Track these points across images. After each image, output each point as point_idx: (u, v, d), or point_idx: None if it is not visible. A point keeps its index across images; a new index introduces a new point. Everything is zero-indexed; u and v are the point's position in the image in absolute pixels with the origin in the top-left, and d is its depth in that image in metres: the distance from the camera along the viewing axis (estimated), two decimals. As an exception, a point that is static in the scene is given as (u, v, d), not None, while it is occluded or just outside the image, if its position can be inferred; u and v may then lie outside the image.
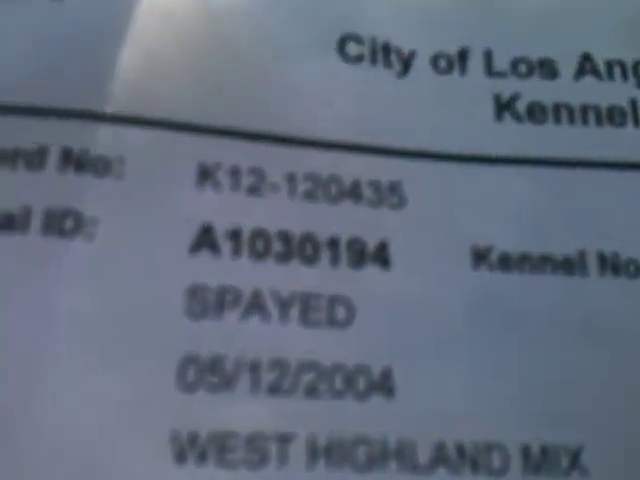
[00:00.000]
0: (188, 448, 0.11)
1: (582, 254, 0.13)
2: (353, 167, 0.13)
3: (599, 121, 0.15)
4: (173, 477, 0.10)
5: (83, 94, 0.12)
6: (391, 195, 0.13)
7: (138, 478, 0.10)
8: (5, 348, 0.11)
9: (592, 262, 0.13)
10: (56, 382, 0.11)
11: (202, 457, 0.11)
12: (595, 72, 0.15)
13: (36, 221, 0.11)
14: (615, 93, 0.15)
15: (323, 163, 0.13)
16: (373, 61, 0.14)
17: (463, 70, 0.15)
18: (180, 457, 0.11)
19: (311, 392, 0.11)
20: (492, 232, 0.13)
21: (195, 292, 0.12)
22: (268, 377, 0.11)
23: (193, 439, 0.11)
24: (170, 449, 0.11)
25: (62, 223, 0.12)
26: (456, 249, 0.13)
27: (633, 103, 0.15)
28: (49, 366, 0.11)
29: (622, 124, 0.14)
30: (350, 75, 0.14)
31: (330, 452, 0.11)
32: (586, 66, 0.15)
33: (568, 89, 0.15)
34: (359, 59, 0.14)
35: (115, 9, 0.13)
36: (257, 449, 0.11)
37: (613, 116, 0.15)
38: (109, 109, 0.12)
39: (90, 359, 0.11)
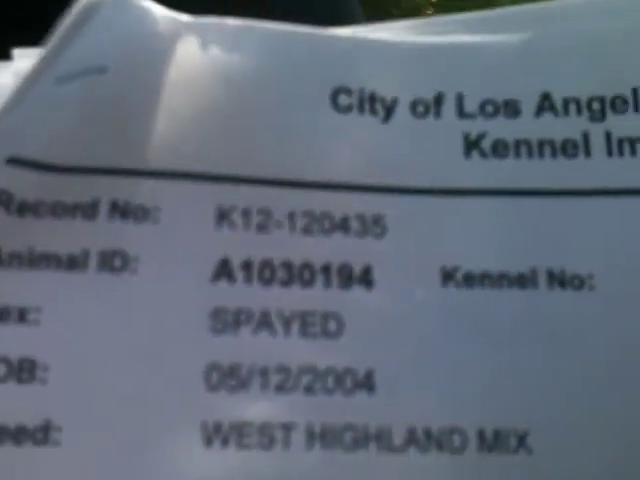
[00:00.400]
0: (214, 434, 0.14)
1: (533, 271, 0.16)
2: (342, 204, 0.16)
3: (554, 154, 0.17)
4: (203, 458, 0.14)
5: (124, 154, 0.16)
6: (375, 226, 0.16)
7: (175, 459, 0.14)
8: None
9: (542, 278, 0.16)
10: (104, 381, 0.14)
11: (225, 441, 0.14)
12: (553, 109, 0.17)
13: (92, 262, 0.15)
14: (569, 127, 0.17)
15: (317, 202, 0.16)
16: (361, 110, 0.17)
17: (438, 113, 0.17)
18: (208, 441, 0.14)
19: (309, 390, 0.15)
20: (458, 254, 0.16)
21: (217, 313, 0.15)
22: (275, 379, 0.15)
23: (218, 427, 0.14)
24: (200, 436, 0.14)
25: (112, 262, 0.15)
26: (428, 270, 0.16)
27: (585, 136, 0.17)
28: (104, 379, 0.14)
29: (574, 155, 0.17)
30: (341, 123, 0.17)
31: (324, 437, 0.14)
32: (545, 104, 0.17)
33: (528, 126, 0.17)
34: (349, 109, 0.17)
35: (148, 78, 0.16)
36: (267, 435, 0.14)
37: (566, 148, 0.17)
38: (145, 166, 0.16)
39: (138, 369, 0.14)
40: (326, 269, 0.16)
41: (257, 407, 0.14)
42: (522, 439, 0.15)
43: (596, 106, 0.17)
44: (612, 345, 0.15)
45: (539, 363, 0.15)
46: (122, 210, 0.15)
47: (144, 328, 0.15)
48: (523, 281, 0.16)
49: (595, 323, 0.16)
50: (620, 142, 0.17)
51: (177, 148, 0.16)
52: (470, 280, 0.16)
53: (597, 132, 0.17)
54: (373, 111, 0.17)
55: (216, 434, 0.14)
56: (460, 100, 0.17)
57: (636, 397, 0.15)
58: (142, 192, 0.15)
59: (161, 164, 0.16)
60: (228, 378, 0.15)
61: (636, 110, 0.17)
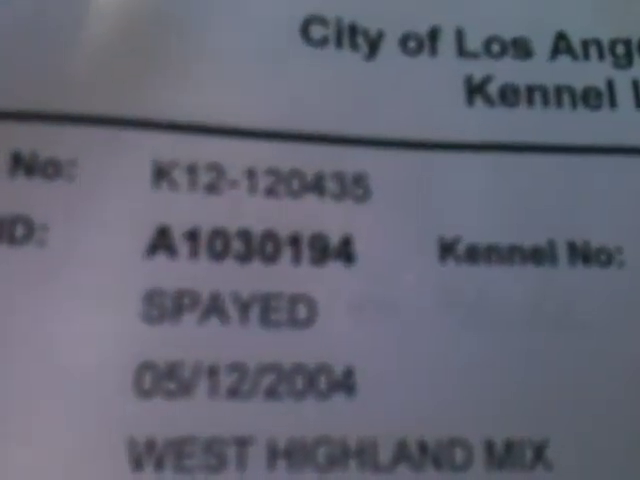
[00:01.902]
0: (145, 455, 0.11)
1: (552, 243, 0.13)
2: (316, 159, 0.13)
3: (574, 103, 0.14)
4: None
5: (30, 93, 0.12)
6: (355, 187, 0.13)
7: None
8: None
9: (562, 252, 0.13)
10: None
11: (159, 464, 0.11)
12: (570, 51, 0.14)
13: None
14: (591, 73, 0.14)
15: (284, 156, 0.13)
16: (339, 44, 0.14)
17: (433, 51, 0.14)
18: (137, 464, 0.11)
19: (271, 394, 0.11)
20: (459, 223, 0.13)
21: (151, 297, 0.11)
22: (227, 381, 0.11)
23: (150, 446, 0.11)
24: (127, 456, 0.11)
25: (12, 230, 0.11)
26: (422, 242, 0.13)
27: (610, 84, 0.14)
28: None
29: (597, 106, 0.14)
30: (315, 59, 0.14)
31: (290, 454, 0.11)
32: (561, 45, 0.14)
33: (542, 70, 0.14)
34: (324, 42, 0.14)
35: (66, 17, 0.13)
36: (215, 454, 0.11)
37: (588, 98, 0.14)
38: (56, 108, 0.12)
39: (46, 366, 0.11)
40: (295, 240, 0.12)
41: (203, 418, 0.11)
42: (540, 451, 0.12)
43: (621, 50, 0.14)
44: (649, 335, 0.12)
45: (559, 356, 0.12)
46: (27, 165, 0.12)
47: (55, 316, 0.11)
48: (539, 256, 0.13)
49: (626, 307, 0.13)
50: (650, 91, 0.14)
51: (99, 88, 0.12)
52: (474, 254, 0.13)
53: (623, 80, 0.14)
54: (354, 46, 0.14)
55: (148, 454, 0.11)
56: (460, 36, 0.14)
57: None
58: (53, 141, 0.12)
59: (78, 106, 0.12)
60: (165, 380, 0.11)
61: (669, 54, 0.14)
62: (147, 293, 0.11)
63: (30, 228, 0.12)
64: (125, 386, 0.11)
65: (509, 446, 0.12)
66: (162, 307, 0.11)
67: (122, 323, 0.11)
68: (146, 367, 0.11)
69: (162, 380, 0.11)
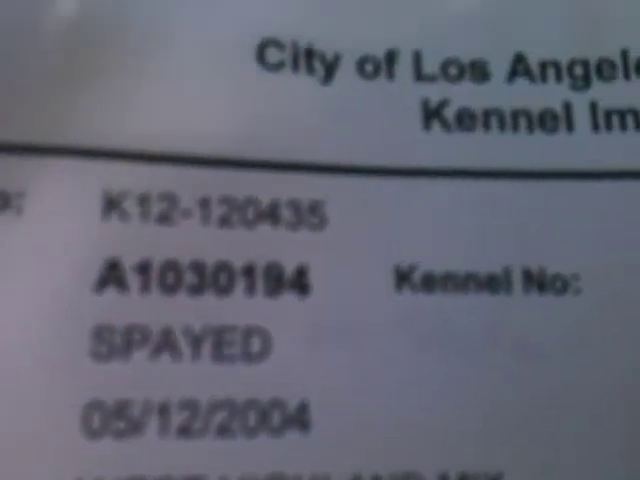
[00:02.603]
0: (95, 497, 0.11)
1: (507, 271, 0.13)
2: (272, 187, 0.13)
3: (530, 127, 0.14)
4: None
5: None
6: (311, 215, 0.13)
7: None
8: None
9: (517, 279, 0.13)
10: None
11: (109, 506, 0.11)
12: (528, 73, 0.14)
13: None
14: (548, 96, 0.14)
15: (239, 184, 0.13)
16: (295, 68, 0.14)
17: (390, 74, 0.14)
18: (86, 507, 0.11)
19: (223, 431, 0.11)
20: (416, 251, 0.13)
21: (100, 333, 0.11)
22: (178, 419, 0.11)
23: (99, 488, 0.11)
24: (77, 500, 0.10)
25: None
26: (378, 270, 0.13)
27: (567, 107, 0.14)
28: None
29: (554, 130, 0.14)
30: (270, 84, 0.13)
31: (243, 492, 0.11)
32: (519, 67, 0.14)
33: (499, 93, 0.14)
34: (280, 66, 0.14)
35: (12, 43, 0.12)
36: (166, 494, 0.11)
37: (545, 121, 0.14)
38: (3, 138, 0.12)
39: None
40: (249, 271, 0.12)
41: (154, 457, 0.11)
42: (494, 483, 0.12)
43: (579, 71, 0.14)
44: (603, 362, 0.12)
45: (515, 387, 0.12)
46: None
47: (2, 354, 0.11)
48: (494, 284, 0.13)
49: (582, 336, 0.13)
50: (608, 114, 0.14)
51: (51, 116, 0.12)
52: (430, 282, 0.13)
53: (581, 102, 0.14)
54: (310, 69, 0.14)
55: (97, 496, 0.11)
56: (417, 58, 0.14)
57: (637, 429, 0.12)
58: (1, 173, 0.11)
59: (26, 137, 0.12)
60: (114, 420, 0.11)
61: (626, 76, 0.14)
62: (96, 329, 0.11)
63: None
64: (73, 426, 0.11)
65: (463, 479, 0.12)
66: (111, 343, 0.11)
67: (69, 360, 0.11)
68: (94, 406, 0.11)
69: (111, 419, 0.11)
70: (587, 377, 0.12)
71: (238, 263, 0.12)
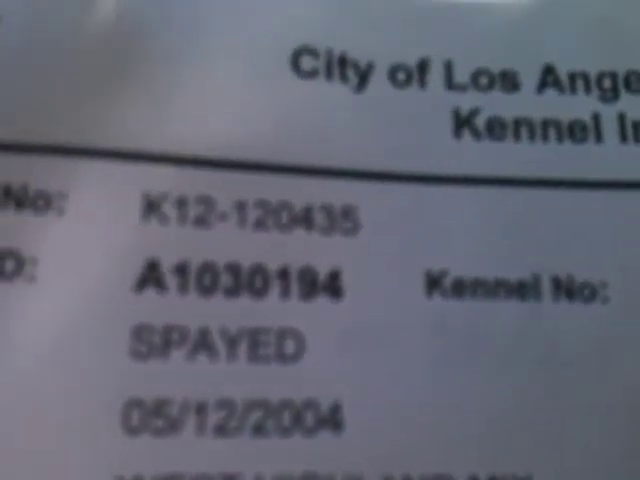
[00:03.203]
0: (133, 493, 0.11)
1: (536, 278, 0.13)
2: (305, 191, 0.13)
3: (560, 137, 0.14)
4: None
5: (19, 125, 0.12)
6: (344, 220, 0.13)
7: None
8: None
9: (546, 286, 0.13)
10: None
11: (147, 501, 0.11)
12: (557, 84, 0.15)
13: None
14: (577, 107, 0.14)
15: (274, 188, 0.13)
16: (329, 76, 0.14)
17: (422, 83, 0.14)
18: (125, 502, 0.11)
19: (258, 431, 0.11)
20: (446, 256, 0.13)
21: (140, 332, 0.12)
22: (214, 418, 0.11)
23: (138, 483, 0.11)
24: (115, 494, 0.11)
25: (2, 265, 0.11)
26: (410, 275, 0.13)
27: (596, 118, 0.14)
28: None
29: (583, 140, 0.14)
30: (304, 91, 0.14)
31: (277, 490, 0.11)
32: (548, 78, 0.15)
33: (529, 103, 0.14)
34: (314, 74, 0.14)
35: (57, 47, 0.13)
36: (203, 491, 0.11)
37: (574, 132, 0.14)
38: (48, 140, 0.12)
39: (33, 401, 0.11)
40: (283, 274, 0.12)
41: (191, 455, 0.11)
42: (523, 487, 0.12)
43: (607, 84, 0.14)
44: (631, 370, 0.13)
45: (543, 392, 0.12)
46: (16, 198, 0.12)
47: (43, 352, 0.11)
48: (524, 290, 0.13)
49: (610, 343, 0.13)
50: (636, 126, 0.14)
51: (93, 119, 0.12)
52: (460, 288, 0.13)
53: (609, 114, 0.14)
54: (344, 77, 0.14)
55: (136, 492, 0.11)
56: (449, 68, 0.14)
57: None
58: (44, 174, 0.12)
59: (69, 139, 0.12)
60: (153, 418, 0.11)
61: (654, 88, 0.14)
62: (136, 328, 0.12)
63: (20, 263, 0.11)
64: (113, 423, 0.11)
65: (493, 481, 0.12)
66: (150, 343, 0.11)
67: (110, 359, 0.11)
68: (134, 404, 0.11)
69: (150, 417, 0.11)
70: (615, 384, 0.12)
71: (273, 266, 0.12)
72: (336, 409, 0.12)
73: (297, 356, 0.12)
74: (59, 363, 0.11)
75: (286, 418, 0.12)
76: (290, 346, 0.12)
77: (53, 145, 0.12)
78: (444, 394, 0.12)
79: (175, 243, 0.12)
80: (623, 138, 0.14)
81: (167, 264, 0.12)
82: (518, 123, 0.14)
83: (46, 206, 0.12)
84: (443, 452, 0.12)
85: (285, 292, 0.12)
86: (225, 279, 0.12)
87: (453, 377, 0.12)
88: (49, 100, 0.12)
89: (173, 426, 0.11)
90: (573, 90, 0.15)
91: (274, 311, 0.12)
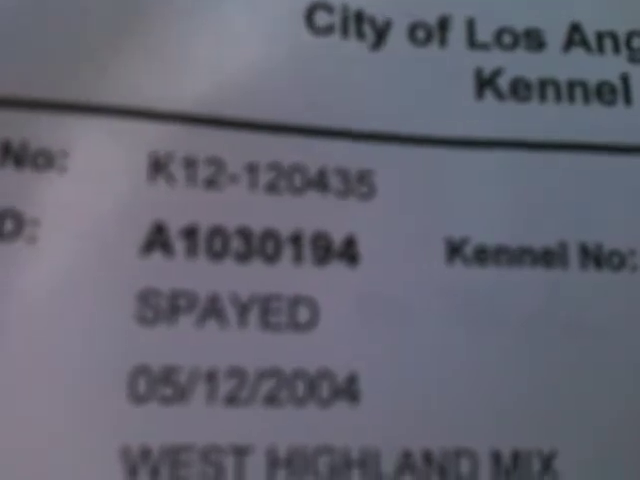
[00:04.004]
0: (140, 463, 0.10)
1: (563, 245, 0.12)
2: (319, 154, 0.12)
3: (587, 98, 0.14)
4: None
5: (19, 78, 0.11)
6: (360, 184, 0.12)
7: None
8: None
9: (573, 254, 0.12)
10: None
11: (155, 473, 0.10)
12: (584, 44, 0.14)
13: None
14: (605, 67, 0.14)
15: (286, 150, 0.12)
16: (344, 32, 0.13)
17: (443, 41, 0.13)
18: (132, 473, 0.10)
19: (271, 401, 0.11)
20: (468, 223, 0.12)
21: (146, 297, 0.11)
22: (225, 387, 0.11)
23: (145, 454, 0.10)
24: (121, 465, 0.10)
25: (1, 225, 0.11)
26: (429, 242, 0.12)
27: (624, 79, 0.14)
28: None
29: (612, 102, 0.13)
30: (318, 49, 0.13)
31: (290, 463, 0.11)
32: (575, 37, 0.14)
33: (555, 63, 0.14)
34: (329, 30, 0.13)
35: (64, 4, 0.12)
36: (213, 463, 0.10)
37: (602, 93, 0.14)
38: (49, 96, 0.11)
39: (35, 368, 0.10)
40: (296, 239, 0.12)
41: (200, 425, 0.11)
42: (547, 462, 0.11)
43: (637, 43, 0.14)
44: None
45: (569, 363, 0.12)
46: (16, 155, 0.11)
47: (44, 316, 0.11)
48: (550, 258, 0.12)
49: (638, 313, 0.12)
50: (667, 87, 0.13)
51: (97, 74, 0.12)
52: (482, 255, 0.12)
53: (639, 75, 0.13)
54: (360, 34, 0.13)
55: (143, 463, 0.10)
56: (471, 26, 0.14)
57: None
58: (45, 131, 0.11)
59: (71, 94, 0.12)
60: (160, 386, 0.11)
61: (686, 48, 0.14)
62: (142, 293, 0.11)
63: (20, 223, 0.11)
64: (118, 390, 0.10)
65: (516, 457, 0.11)
66: (157, 308, 0.11)
67: (115, 324, 0.11)
68: (140, 371, 0.11)
69: (157, 385, 0.11)
70: None
71: (285, 231, 0.12)
72: (352, 380, 0.11)
73: (311, 324, 0.11)
74: (61, 329, 0.11)
75: (300, 388, 0.11)
76: (304, 314, 0.11)
77: (54, 101, 0.11)
78: (465, 366, 0.12)
79: (183, 205, 0.11)
80: (654, 100, 0.14)
81: (175, 227, 0.11)
82: (543, 84, 0.13)
83: (47, 164, 0.11)
84: (464, 426, 0.11)
85: (298, 258, 0.12)
86: (235, 244, 0.11)
87: (475, 348, 0.12)
88: (51, 53, 0.12)
89: (182, 395, 0.11)
90: (601, 50, 0.14)
91: (287, 278, 0.11)
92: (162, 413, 0.10)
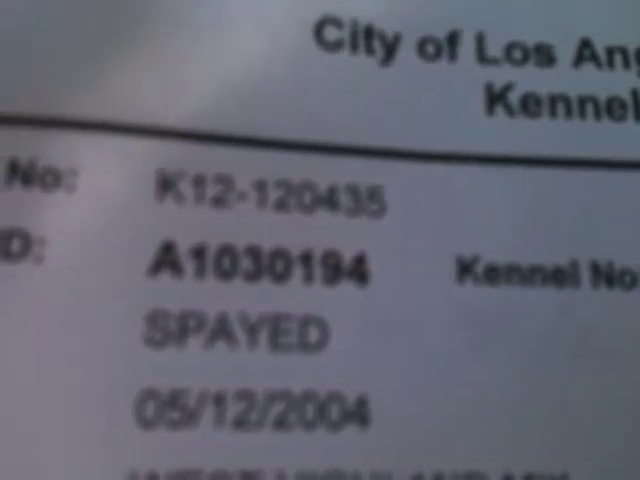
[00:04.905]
0: (147, 489, 0.10)
1: (574, 264, 0.12)
2: (329, 171, 0.12)
3: (597, 114, 0.13)
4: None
5: (28, 97, 0.11)
6: (370, 202, 0.12)
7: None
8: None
9: (584, 273, 0.12)
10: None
11: (162, 498, 0.10)
12: (595, 59, 0.14)
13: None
14: (616, 83, 0.14)
15: (296, 167, 0.12)
16: (354, 48, 0.13)
17: (452, 56, 0.13)
18: (139, 499, 0.10)
19: (280, 424, 0.11)
20: (478, 240, 0.12)
21: (155, 318, 0.11)
22: (234, 410, 0.11)
23: (153, 479, 0.10)
24: (129, 492, 0.10)
25: (8, 245, 0.11)
26: (440, 261, 0.12)
27: (634, 94, 0.14)
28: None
29: (622, 118, 0.13)
30: (327, 64, 0.13)
31: (300, 487, 0.11)
32: (585, 53, 0.14)
33: (565, 78, 0.14)
34: (338, 46, 0.13)
35: (69, 19, 0.12)
36: (221, 488, 0.10)
37: (613, 108, 0.13)
38: (58, 113, 0.11)
39: (41, 390, 0.10)
40: (306, 258, 0.12)
41: (208, 450, 0.10)
42: (559, 486, 0.11)
43: (647, 58, 0.14)
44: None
45: (580, 384, 0.12)
46: (24, 174, 0.11)
47: (52, 338, 0.10)
48: (561, 277, 0.12)
49: (651, 333, 0.12)
50: (678, 103, 0.13)
51: (104, 92, 0.12)
52: (493, 274, 0.12)
53: (649, 90, 0.13)
54: (369, 50, 0.13)
55: (150, 488, 0.10)
56: (481, 41, 0.13)
57: None
58: (53, 149, 0.11)
59: (79, 112, 0.11)
60: (168, 409, 0.10)
61: (697, 63, 0.14)
62: (150, 314, 0.11)
63: (27, 242, 0.11)
64: (126, 414, 0.10)
65: None
66: (166, 330, 0.11)
67: (123, 347, 0.11)
68: (148, 394, 0.10)
69: (165, 409, 0.10)
70: None
71: (295, 250, 0.12)
72: (362, 402, 0.11)
73: (321, 345, 0.11)
74: (68, 351, 0.10)
75: (309, 411, 0.11)
76: (313, 334, 0.11)
77: (62, 119, 0.11)
78: (477, 387, 0.11)
79: (192, 224, 0.11)
80: (665, 116, 0.14)
81: (183, 246, 0.11)
82: (554, 99, 0.13)
83: (55, 183, 0.11)
84: (476, 448, 0.11)
85: (308, 277, 0.12)
86: (245, 263, 0.11)
87: (486, 369, 0.12)
88: (58, 71, 0.11)
89: (190, 418, 0.10)
90: (611, 65, 0.14)
91: (296, 297, 0.11)
92: (170, 438, 0.10)
